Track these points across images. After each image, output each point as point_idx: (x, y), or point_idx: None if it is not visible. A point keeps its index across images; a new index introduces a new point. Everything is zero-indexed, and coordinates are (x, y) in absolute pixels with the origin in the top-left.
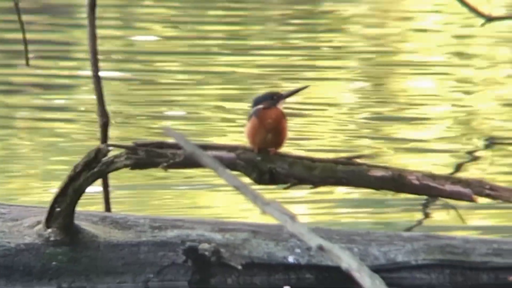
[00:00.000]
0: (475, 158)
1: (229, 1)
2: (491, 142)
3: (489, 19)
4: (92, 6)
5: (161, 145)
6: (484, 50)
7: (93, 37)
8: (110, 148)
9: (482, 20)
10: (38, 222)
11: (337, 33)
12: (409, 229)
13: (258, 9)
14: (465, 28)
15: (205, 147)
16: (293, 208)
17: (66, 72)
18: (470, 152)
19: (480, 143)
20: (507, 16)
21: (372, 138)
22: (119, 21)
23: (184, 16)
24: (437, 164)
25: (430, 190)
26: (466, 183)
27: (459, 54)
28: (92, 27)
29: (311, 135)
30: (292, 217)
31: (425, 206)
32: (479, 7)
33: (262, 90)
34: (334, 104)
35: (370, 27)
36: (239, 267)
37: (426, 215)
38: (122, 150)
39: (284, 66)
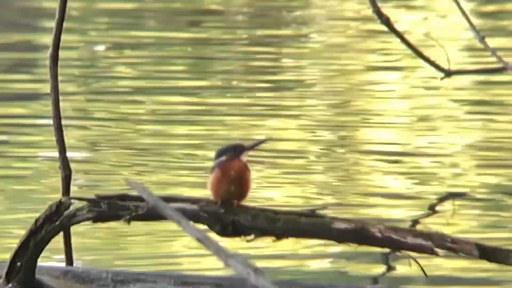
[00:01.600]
0: (436, 211)
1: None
2: (452, 195)
3: (449, 73)
4: (55, 58)
5: (124, 197)
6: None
7: (56, 89)
8: (73, 201)
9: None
10: None
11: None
12: (375, 281)
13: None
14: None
15: (168, 199)
16: (257, 260)
17: (26, 121)
18: (432, 206)
19: (442, 194)
20: (467, 70)
21: (335, 188)
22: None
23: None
24: (401, 215)
25: (393, 243)
26: (428, 236)
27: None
28: (55, 78)
29: (274, 186)
30: (256, 270)
31: (388, 258)
32: (439, 62)
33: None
34: (297, 151)
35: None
36: None
37: (389, 268)
38: (84, 203)
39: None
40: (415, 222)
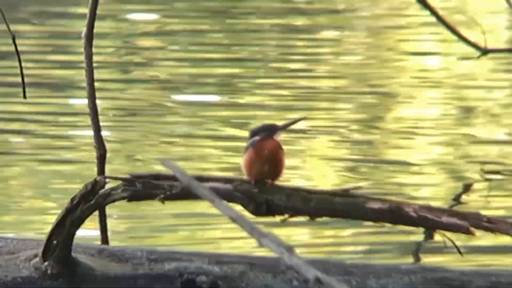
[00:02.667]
0: (472, 190)
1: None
2: (488, 173)
3: (485, 51)
4: (90, 38)
5: (158, 177)
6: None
7: (91, 69)
8: (107, 180)
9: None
10: (35, 255)
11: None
12: (415, 259)
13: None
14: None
15: (202, 178)
16: (291, 240)
17: (62, 102)
18: (467, 185)
19: (477, 174)
20: (503, 49)
21: (370, 166)
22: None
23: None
24: (435, 195)
25: (427, 222)
26: (463, 215)
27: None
28: (89, 58)
29: (307, 167)
30: (289, 249)
31: (424, 238)
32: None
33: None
34: (330, 132)
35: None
36: None
37: (424, 247)
38: (119, 182)
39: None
40: (455, 200)
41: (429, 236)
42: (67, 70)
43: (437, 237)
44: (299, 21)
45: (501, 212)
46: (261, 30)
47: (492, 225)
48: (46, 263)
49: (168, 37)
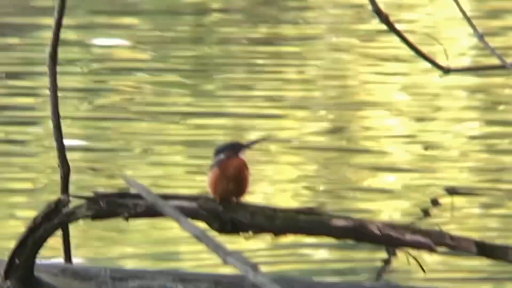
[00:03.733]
0: (436, 207)
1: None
2: (452, 191)
3: (447, 70)
4: (54, 57)
5: (123, 195)
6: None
7: (54, 88)
8: (71, 198)
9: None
10: None
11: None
12: (377, 277)
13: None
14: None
15: (167, 197)
16: (256, 258)
17: (23, 128)
18: (433, 201)
19: (441, 192)
20: (465, 68)
21: (334, 184)
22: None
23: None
24: (400, 211)
25: (391, 239)
26: (426, 233)
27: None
28: (53, 77)
29: (272, 186)
30: (254, 267)
31: (387, 255)
32: (437, 59)
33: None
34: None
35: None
36: None
37: (388, 265)
38: (83, 201)
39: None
40: (416, 219)
41: (392, 253)
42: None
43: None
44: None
45: (464, 230)
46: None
47: (454, 242)
48: (8, 283)
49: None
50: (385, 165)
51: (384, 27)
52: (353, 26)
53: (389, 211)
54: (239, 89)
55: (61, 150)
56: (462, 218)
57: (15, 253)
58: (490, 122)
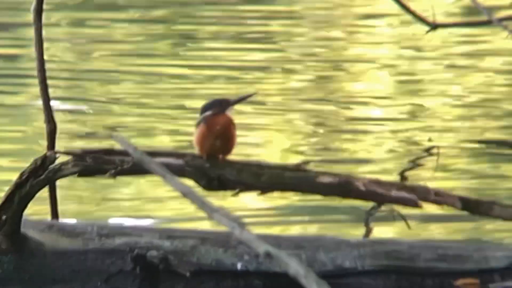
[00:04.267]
0: (421, 164)
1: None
2: (433, 148)
3: (434, 26)
4: (39, 10)
5: (109, 152)
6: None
7: (40, 41)
8: (57, 155)
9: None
10: None
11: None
12: (365, 234)
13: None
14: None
15: (153, 153)
16: (242, 215)
17: (12, 80)
18: (416, 158)
19: (425, 146)
20: (452, 23)
21: (319, 143)
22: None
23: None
24: (386, 168)
25: (376, 196)
26: (411, 189)
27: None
28: (39, 30)
29: (258, 141)
30: (240, 224)
31: (372, 212)
32: (424, 14)
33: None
34: (282, 110)
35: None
36: (188, 274)
37: (369, 229)
38: (70, 157)
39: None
40: (402, 175)
41: (377, 207)
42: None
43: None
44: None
45: (448, 185)
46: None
47: (439, 198)
48: None
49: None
50: (371, 116)
51: None
52: None
53: (376, 168)
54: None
55: (47, 107)
56: (447, 174)
57: (2, 209)
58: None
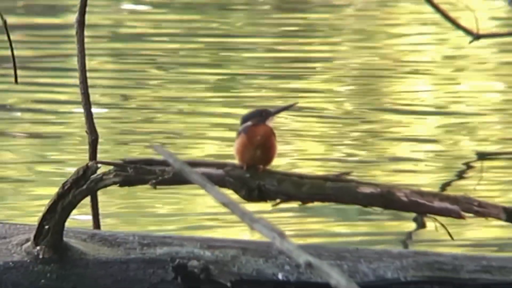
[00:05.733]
0: (465, 175)
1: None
2: (480, 158)
3: (477, 36)
4: (81, 23)
5: (150, 162)
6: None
7: (83, 54)
8: (99, 165)
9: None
10: (27, 240)
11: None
12: (404, 244)
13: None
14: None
15: (194, 164)
16: (283, 225)
17: (55, 88)
18: (462, 170)
19: (471, 157)
20: (495, 33)
21: (361, 151)
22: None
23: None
24: (427, 179)
25: (419, 207)
26: (454, 200)
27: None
28: (81, 43)
29: (301, 153)
30: (281, 234)
31: (415, 222)
32: (467, 25)
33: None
34: (322, 116)
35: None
36: (229, 284)
37: (419, 228)
38: (111, 167)
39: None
40: (445, 185)
41: (420, 221)
42: (59, 56)
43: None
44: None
45: (492, 196)
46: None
47: (483, 209)
48: (37, 248)
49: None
50: (413, 135)
51: None
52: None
53: (419, 178)
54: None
55: (89, 117)
56: (491, 185)
57: (45, 218)
58: None
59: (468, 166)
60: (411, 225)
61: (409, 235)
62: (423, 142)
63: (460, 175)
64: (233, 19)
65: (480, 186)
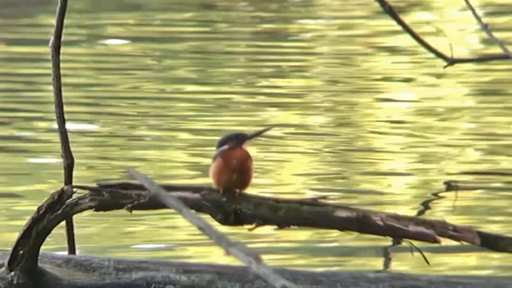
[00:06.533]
0: (439, 199)
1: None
2: (453, 185)
3: (452, 61)
4: (57, 47)
5: (126, 186)
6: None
7: (58, 78)
8: (75, 189)
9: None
10: (1, 265)
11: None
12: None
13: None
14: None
15: (170, 188)
16: (259, 249)
17: (28, 114)
18: (435, 194)
19: (443, 183)
20: (470, 59)
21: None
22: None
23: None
24: (403, 202)
25: (394, 231)
26: (429, 224)
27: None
28: (57, 67)
29: (276, 176)
30: (257, 258)
31: (391, 247)
32: (442, 49)
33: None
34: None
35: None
36: None
37: (389, 260)
38: (87, 192)
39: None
40: (421, 211)
41: (396, 242)
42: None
43: (404, 244)
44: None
45: (467, 221)
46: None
47: (458, 233)
48: (12, 273)
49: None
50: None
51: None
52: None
53: (395, 197)
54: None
55: (65, 141)
56: (465, 209)
57: (19, 244)
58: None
59: (437, 195)
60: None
61: (386, 253)
62: (398, 165)
63: (435, 199)
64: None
65: (454, 211)
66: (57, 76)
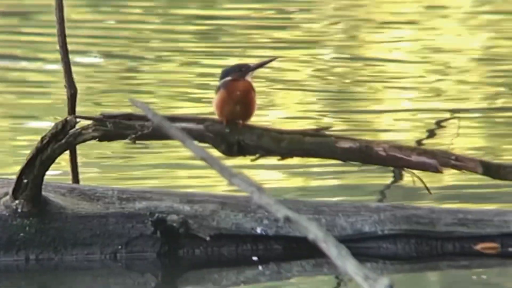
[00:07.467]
0: (441, 128)
1: None
2: (456, 112)
3: None
4: None
5: (129, 116)
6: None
7: (60, 5)
8: (78, 119)
9: None
10: (6, 194)
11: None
12: (382, 195)
13: None
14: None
15: (173, 118)
16: (263, 178)
17: (31, 44)
18: (437, 122)
19: (447, 113)
20: None
21: (339, 109)
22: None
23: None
24: (407, 132)
25: (397, 161)
26: (432, 154)
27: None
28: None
29: (280, 107)
30: (259, 189)
31: (392, 177)
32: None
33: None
34: (297, 79)
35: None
36: (208, 238)
37: (395, 181)
38: (90, 122)
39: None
40: (420, 141)
41: (398, 176)
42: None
43: (406, 177)
44: None
45: (469, 150)
46: None
47: (460, 163)
48: (16, 202)
49: None
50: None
51: None
52: None
53: (396, 132)
54: None
55: (68, 71)
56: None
57: (23, 172)
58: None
59: (443, 121)
60: (389, 179)
61: (388, 188)
62: (401, 93)
63: (437, 129)
64: None
65: (456, 141)
66: (60, 6)
